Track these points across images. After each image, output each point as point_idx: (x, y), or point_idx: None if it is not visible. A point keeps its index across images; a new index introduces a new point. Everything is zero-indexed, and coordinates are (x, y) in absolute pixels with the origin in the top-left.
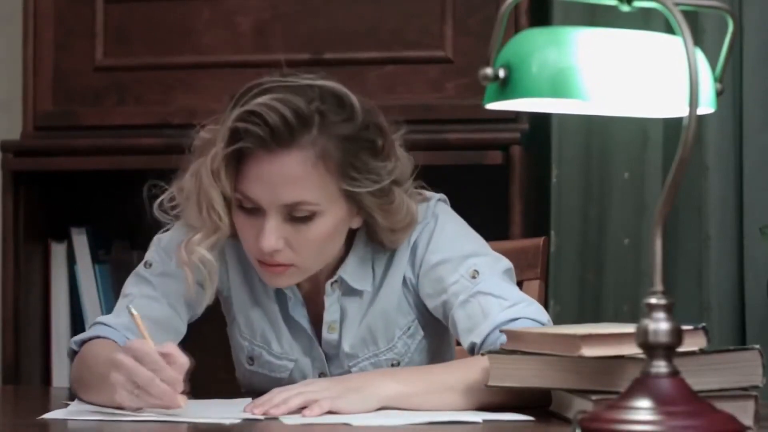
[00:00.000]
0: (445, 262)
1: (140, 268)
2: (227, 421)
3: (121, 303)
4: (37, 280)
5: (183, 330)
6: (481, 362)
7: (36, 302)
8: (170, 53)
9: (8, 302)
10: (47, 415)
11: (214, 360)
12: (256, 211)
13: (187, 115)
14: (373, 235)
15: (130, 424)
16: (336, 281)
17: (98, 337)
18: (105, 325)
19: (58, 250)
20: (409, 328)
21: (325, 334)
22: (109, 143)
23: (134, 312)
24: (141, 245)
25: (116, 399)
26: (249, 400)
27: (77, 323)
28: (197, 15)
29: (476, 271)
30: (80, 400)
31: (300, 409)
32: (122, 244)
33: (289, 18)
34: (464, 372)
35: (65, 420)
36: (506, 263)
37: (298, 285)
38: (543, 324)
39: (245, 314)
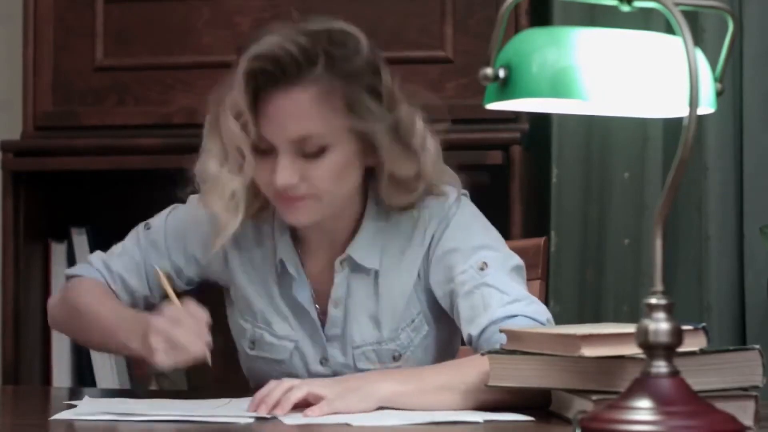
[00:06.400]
0: (457, 250)
1: (141, 225)
2: (242, 421)
3: (114, 248)
4: (37, 280)
5: (149, 295)
6: (478, 362)
7: (36, 302)
8: (170, 53)
9: (8, 302)
10: (57, 416)
11: (217, 361)
12: (270, 152)
13: (187, 115)
14: (379, 194)
15: (139, 425)
16: (345, 259)
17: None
18: (89, 264)
19: (58, 250)
20: (413, 321)
21: (331, 310)
22: (109, 143)
23: (161, 273)
24: None
25: (156, 360)
26: (233, 399)
27: None
28: (197, 15)
29: (485, 263)
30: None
31: (301, 408)
32: None
33: (288, 18)
34: (461, 372)
35: (72, 420)
36: (517, 260)
37: (303, 266)
38: (541, 324)
39: (245, 297)
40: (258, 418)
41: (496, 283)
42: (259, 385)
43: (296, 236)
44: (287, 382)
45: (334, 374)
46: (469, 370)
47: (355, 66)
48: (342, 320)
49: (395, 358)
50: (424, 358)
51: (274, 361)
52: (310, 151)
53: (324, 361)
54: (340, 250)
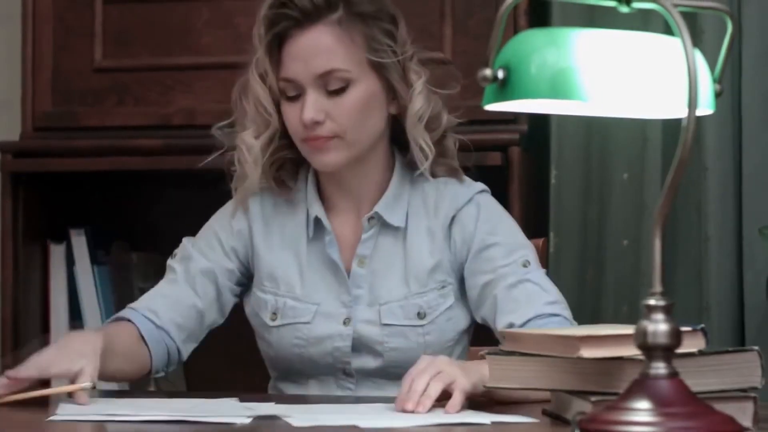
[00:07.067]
0: (500, 245)
1: (168, 262)
2: (238, 421)
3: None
4: (36, 282)
5: (200, 305)
6: None
7: (35, 303)
8: (170, 54)
9: (7, 303)
10: (55, 416)
11: (217, 361)
12: (297, 97)
13: (186, 116)
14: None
15: (135, 425)
16: (372, 217)
17: (119, 319)
18: (130, 308)
19: (57, 251)
20: (443, 287)
21: (354, 267)
22: (109, 144)
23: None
24: (140, 246)
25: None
26: (232, 399)
27: (76, 324)
28: (197, 15)
29: (528, 261)
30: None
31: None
32: (121, 245)
33: None
34: None
35: (71, 420)
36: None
37: (333, 226)
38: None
39: (268, 267)
40: (257, 418)
41: (539, 282)
42: (279, 362)
43: (323, 199)
44: (421, 376)
45: (356, 333)
46: None
47: (373, 9)
48: (366, 279)
49: (420, 315)
50: (447, 327)
51: (297, 326)
52: (334, 87)
53: (347, 321)
54: (366, 211)
